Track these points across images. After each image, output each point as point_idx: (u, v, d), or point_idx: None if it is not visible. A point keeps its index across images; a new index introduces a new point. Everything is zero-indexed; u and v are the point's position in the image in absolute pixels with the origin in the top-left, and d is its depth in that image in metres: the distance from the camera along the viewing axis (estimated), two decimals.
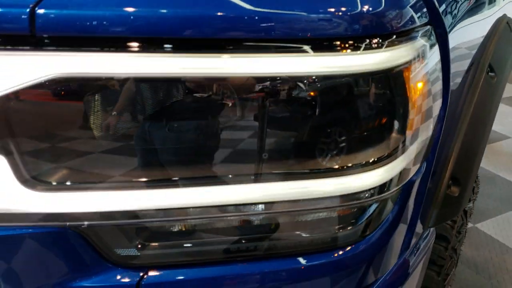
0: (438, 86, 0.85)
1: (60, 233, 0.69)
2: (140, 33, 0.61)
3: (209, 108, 0.68)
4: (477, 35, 1.16)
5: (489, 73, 1.10)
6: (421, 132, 0.81)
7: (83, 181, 0.67)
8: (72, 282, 0.72)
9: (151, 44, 0.62)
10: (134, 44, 0.61)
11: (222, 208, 0.71)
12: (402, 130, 0.76)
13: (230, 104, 0.67)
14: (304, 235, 0.77)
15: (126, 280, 0.73)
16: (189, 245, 0.74)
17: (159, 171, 0.69)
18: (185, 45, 0.62)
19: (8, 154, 0.64)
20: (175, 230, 0.73)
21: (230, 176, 0.70)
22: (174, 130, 0.68)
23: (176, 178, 0.69)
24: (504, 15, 1.38)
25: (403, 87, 0.73)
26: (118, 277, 0.73)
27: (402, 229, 0.87)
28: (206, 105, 0.67)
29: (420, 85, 0.76)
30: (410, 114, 0.75)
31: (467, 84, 1.04)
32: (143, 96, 0.65)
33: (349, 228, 0.78)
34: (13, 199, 0.65)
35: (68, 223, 0.67)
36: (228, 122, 0.69)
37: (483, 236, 2.53)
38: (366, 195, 0.75)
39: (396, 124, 0.75)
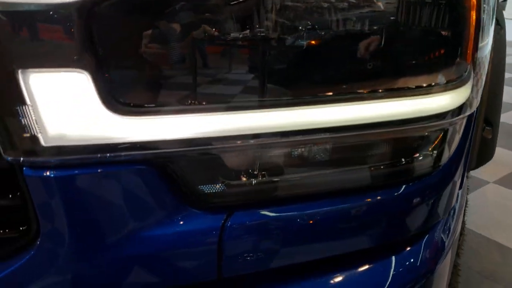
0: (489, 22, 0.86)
1: (141, 170, 0.59)
2: None
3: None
4: None
5: (498, 25, 1.14)
6: (484, 62, 0.80)
7: (176, 103, 0.58)
8: (151, 227, 0.62)
9: None
10: None
11: (313, 132, 0.65)
12: (473, 54, 0.74)
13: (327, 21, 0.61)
14: (398, 161, 0.73)
15: (210, 222, 0.65)
16: (279, 179, 0.67)
17: (255, 92, 0.61)
18: None
19: (91, 73, 0.53)
20: (266, 161, 0.66)
21: (325, 96, 0.64)
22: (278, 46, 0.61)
23: (271, 99, 0.62)
24: None
25: (473, 11, 0.73)
26: (202, 219, 0.64)
27: (465, 162, 0.86)
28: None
29: (484, 13, 0.76)
30: (480, 39, 0.75)
31: None
32: (246, 12, 0.57)
33: (431, 152, 0.75)
34: (97, 125, 0.55)
35: (156, 150, 0.58)
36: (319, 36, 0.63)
37: None
38: (446, 116, 0.73)
39: (469, 47, 0.74)
